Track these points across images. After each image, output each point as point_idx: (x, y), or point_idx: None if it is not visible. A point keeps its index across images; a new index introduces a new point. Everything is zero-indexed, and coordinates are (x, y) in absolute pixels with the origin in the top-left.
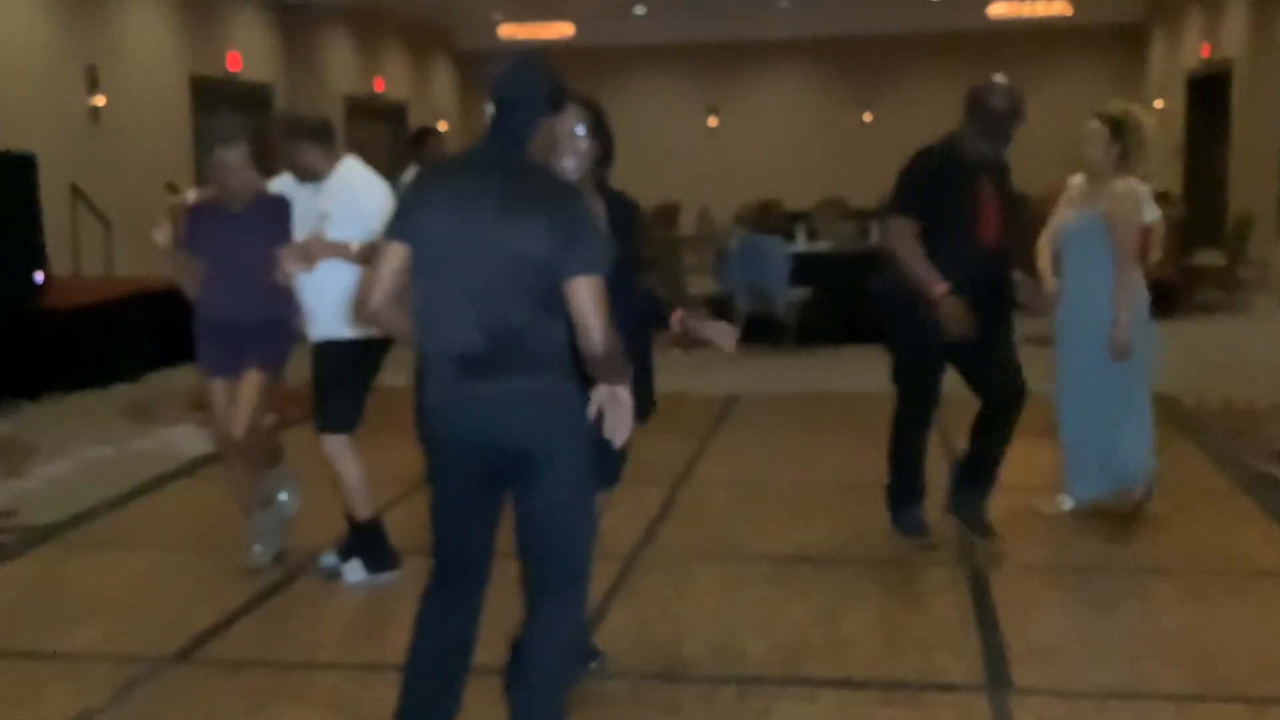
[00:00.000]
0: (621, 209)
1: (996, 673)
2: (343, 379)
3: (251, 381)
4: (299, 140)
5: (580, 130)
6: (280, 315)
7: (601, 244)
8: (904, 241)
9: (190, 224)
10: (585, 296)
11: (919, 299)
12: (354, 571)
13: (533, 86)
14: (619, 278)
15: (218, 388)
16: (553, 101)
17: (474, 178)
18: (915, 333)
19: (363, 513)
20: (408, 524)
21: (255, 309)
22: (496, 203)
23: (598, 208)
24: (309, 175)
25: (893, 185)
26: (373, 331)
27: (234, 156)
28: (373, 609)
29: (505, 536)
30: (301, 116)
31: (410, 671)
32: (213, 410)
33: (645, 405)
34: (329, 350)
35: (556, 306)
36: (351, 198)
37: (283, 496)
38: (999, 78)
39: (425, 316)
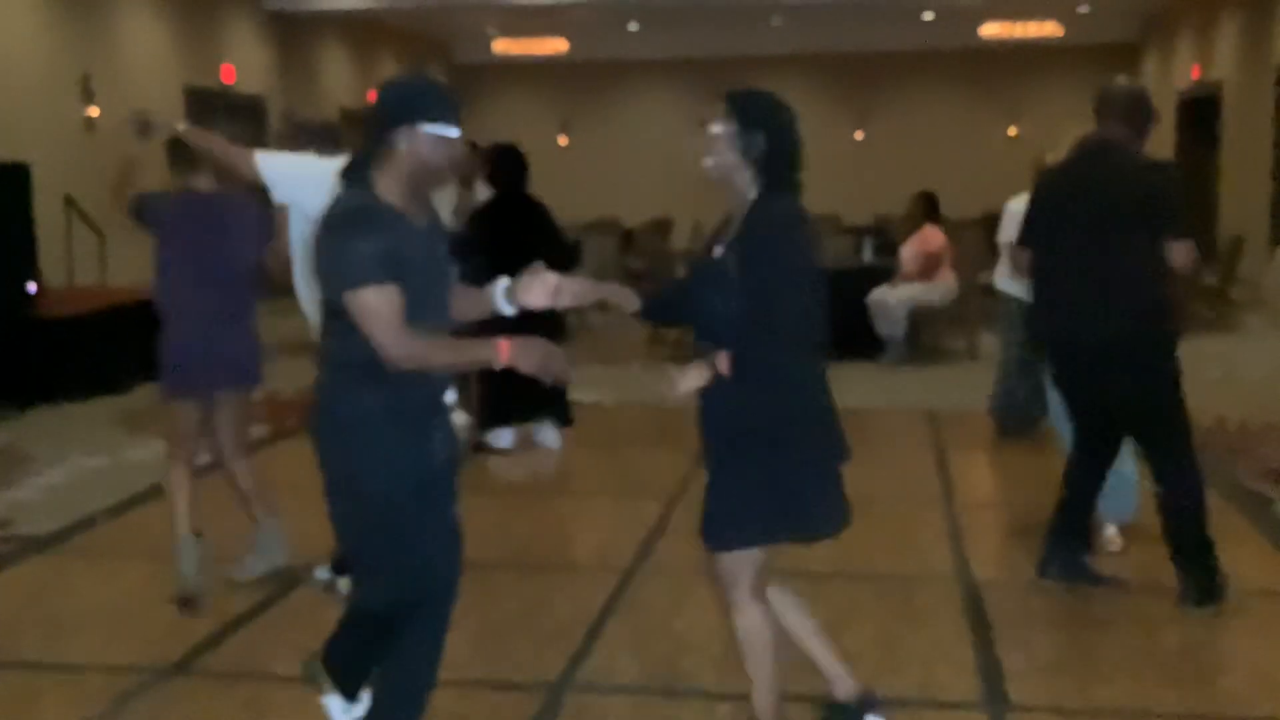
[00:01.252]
0: (754, 238)
1: (995, 690)
2: None
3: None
4: (300, 144)
5: (717, 127)
6: None
7: (354, 260)
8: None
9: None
10: (354, 311)
11: (1178, 320)
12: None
13: (377, 104)
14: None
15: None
16: (404, 114)
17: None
18: (1175, 355)
19: None
20: None
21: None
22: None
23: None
24: None
25: (1155, 206)
26: None
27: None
28: None
29: (480, 549)
30: (305, 121)
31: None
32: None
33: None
34: None
35: (344, 318)
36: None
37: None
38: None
39: None
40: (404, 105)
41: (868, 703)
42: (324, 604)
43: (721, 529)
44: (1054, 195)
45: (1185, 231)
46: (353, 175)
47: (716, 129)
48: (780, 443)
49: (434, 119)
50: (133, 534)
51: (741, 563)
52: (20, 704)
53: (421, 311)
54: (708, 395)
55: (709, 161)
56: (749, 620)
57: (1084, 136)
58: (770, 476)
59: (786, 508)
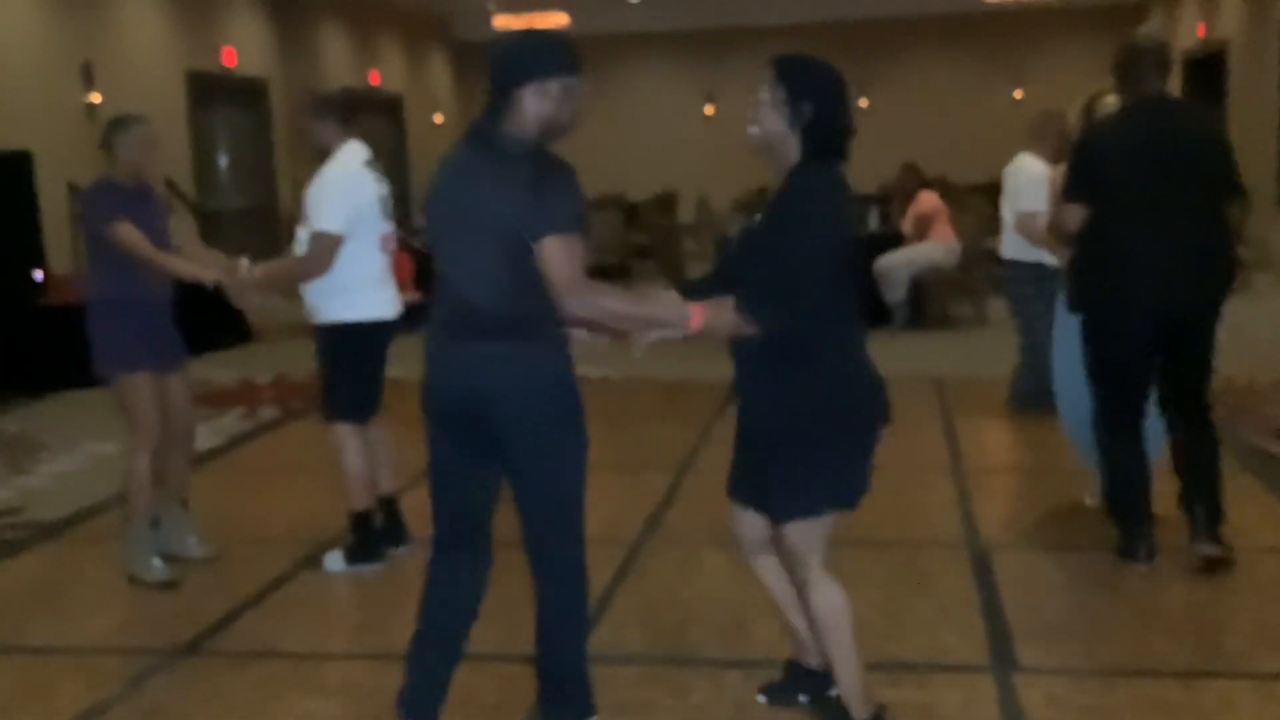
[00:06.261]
0: (785, 208)
1: (1002, 652)
2: (343, 363)
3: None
4: (325, 118)
5: (764, 94)
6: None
7: (558, 208)
8: None
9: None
10: (548, 255)
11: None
12: (334, 561)
13: (500, 57)
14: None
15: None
16: (535, 68)
17: (462, 152)
18: None
19: (356, 505)
20: (411, 514)
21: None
22: (470, 174)
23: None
24: (322, 154)
25: (1230, 162)
26: (374, 314)
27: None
28: (382, 598)
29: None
30: (328, 94)
31: (416, 631)
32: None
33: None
34: (328, 335)
35: (526, 273)
36: (311, 192)
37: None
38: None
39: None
40: (526, 62)
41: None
42: (334, 583)
43: (790, 499)
44: (1124, 155)
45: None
46: (492, 130)
47: (764, 96)
48: (826, 413)
49: (557, 72)
50: None
51: (811, 534)
52: (34, 688)
53: None
54: (747, 374)
55: (754, 130)
56: (826, 596)
57: (1143, 94)
58: (824, 446)
59: (845, 475)
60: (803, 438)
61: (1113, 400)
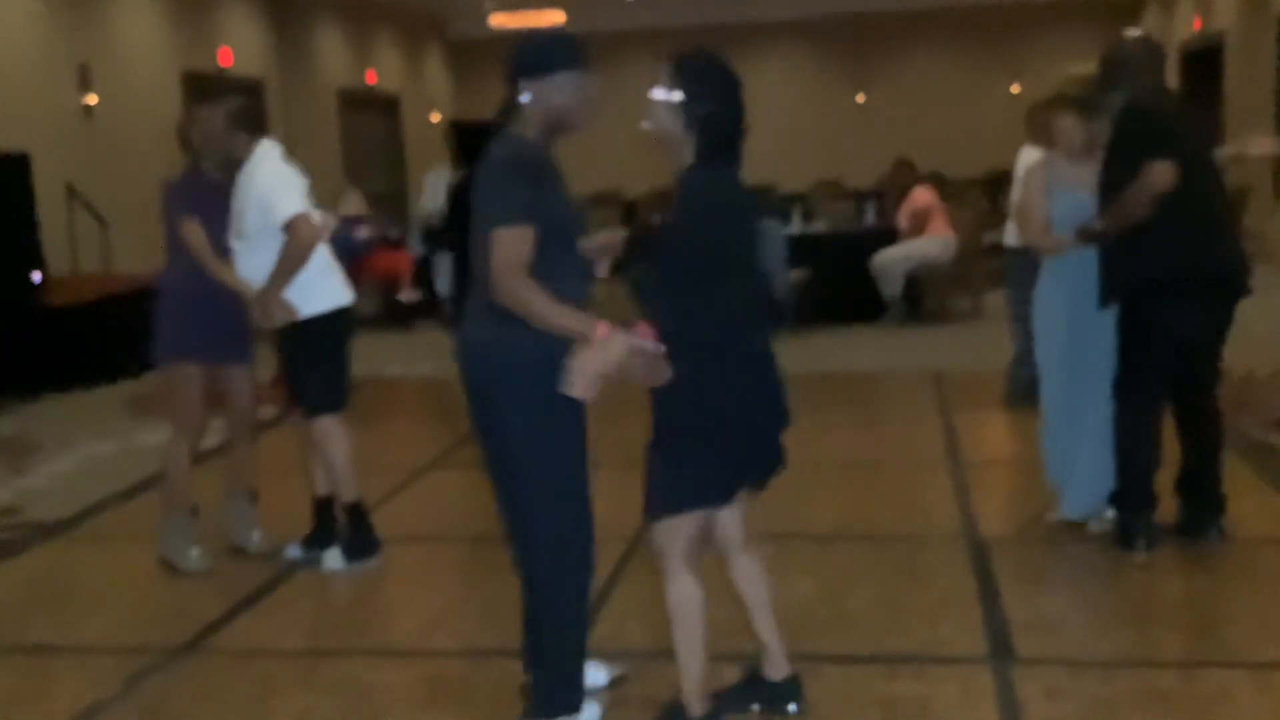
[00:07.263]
0: (681, 211)
1: (1000, 644)
2: (313, 357)
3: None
4: (239, 130)
5: (659, 92)
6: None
7: (502, 199)
8: None
9: (197, 201)
10: (491, 242)
11: None
12: (334, 559)
13: (509, 55)
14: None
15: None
16: (533, 64)
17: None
18: None
19: (348, 495)
20: (411, 512)
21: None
22: (481, 169)
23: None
24: (236, 164)
25: None
26: (331, 303)
27: None
28: (379, 594)
29: (489, 522)
30: (238, 106)
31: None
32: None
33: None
34: (292, 331)
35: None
36: (256, 192)
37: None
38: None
39: None
40: (530, 58)
41: (793, 689)
42: (332, 580)
43: (657, 496)
44: (1175, 132)
45: None
46: (500, 127)
47: (659, 94)
48: (709, 419)
49: (556, 68)
50: (141, 518)
51: (671, 532)
52: (34, 687)
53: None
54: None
55: (647, 125)
56: (679, 589)
57: (1157, 83)
58: (693, 446)
59: (712, 476)
60: (674, 436)
61: (1149, 381)
